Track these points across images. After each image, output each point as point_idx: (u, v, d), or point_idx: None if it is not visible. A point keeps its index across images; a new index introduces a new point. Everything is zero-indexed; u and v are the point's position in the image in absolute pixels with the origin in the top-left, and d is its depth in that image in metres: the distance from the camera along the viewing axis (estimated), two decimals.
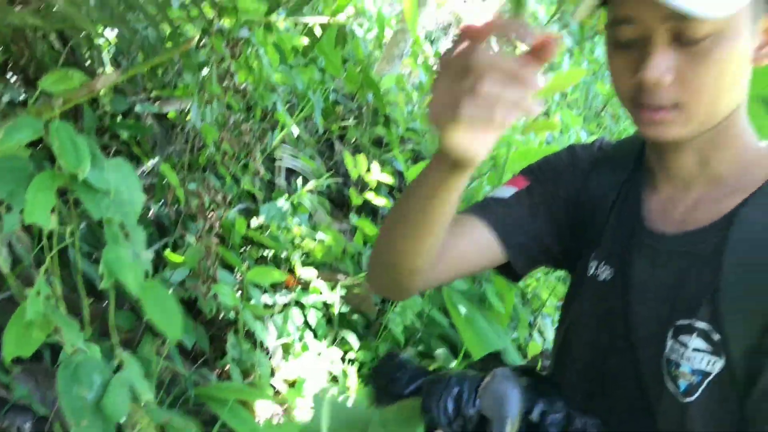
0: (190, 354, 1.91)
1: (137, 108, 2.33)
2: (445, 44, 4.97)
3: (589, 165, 1.03)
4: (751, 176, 0.88)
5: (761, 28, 0.83)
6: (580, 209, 1.01)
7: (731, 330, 0.83)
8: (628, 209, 0.97)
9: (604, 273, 0.96)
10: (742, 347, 0.82)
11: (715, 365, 0.83)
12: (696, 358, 0.83)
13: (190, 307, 1.94)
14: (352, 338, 2.03)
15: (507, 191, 1.02)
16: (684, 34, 0.78)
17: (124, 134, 2.25)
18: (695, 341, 0.83)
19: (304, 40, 2.53)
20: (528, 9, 5.73)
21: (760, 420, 0.80)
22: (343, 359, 2.00)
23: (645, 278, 0.89)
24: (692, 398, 0.83)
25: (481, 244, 0.99)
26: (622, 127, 4.52)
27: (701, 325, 0.83)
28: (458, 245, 0.96)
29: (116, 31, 2.20)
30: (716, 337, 0.82)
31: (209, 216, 1.73)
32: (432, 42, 4.95)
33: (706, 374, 0.82)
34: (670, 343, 0.84)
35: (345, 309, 2.13)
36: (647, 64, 0.79)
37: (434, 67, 0.70)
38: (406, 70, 4.30)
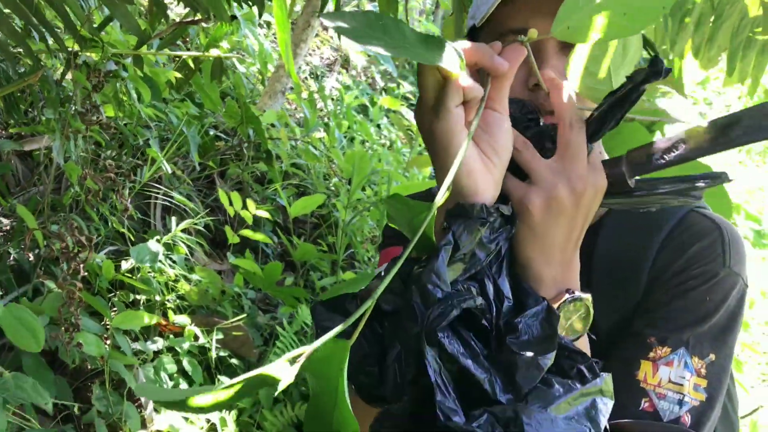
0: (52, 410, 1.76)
1: None
2: (330, 80, 4.98)
3: None
4: None
5: None
6: None
7: (603, 326, 0.89)
8: None
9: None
10: (610, 342, 0.88)
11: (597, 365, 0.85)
12: None
13: (51, 358, 1.80)
14: None
15: None
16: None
17: None
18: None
19: (178, 75, 2.44)
20: None
21: None
22: None
23: None
24: None
25: None
26: None
27: None
28: None
29: None
30: (593, 337, 0.85)
31: (72, 259, 1.61)
32: (317, 78, 4.95)
33: None
34: None
35: (224, 353, 2.04)
36: (544, 66, 0.85)
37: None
38: (291, 105, 4.27)
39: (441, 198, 0.58)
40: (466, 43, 0.64)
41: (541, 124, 0.75)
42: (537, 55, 0.87)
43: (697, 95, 7.17)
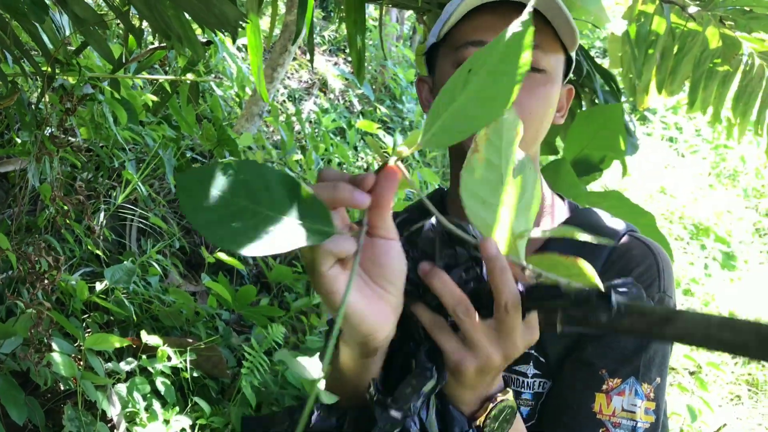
0: (23, 431, 1.76)
1: None
2: (308, 103, 5.03)
3: None
4: (548, 217, 0.98)
5: (562, 93, 0.95)
6: None
7: (553, 353, 0.93)
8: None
9: None
10: (559, 364, 0.93)
11: (545, 386, 0.92)
12: (534, 384, 0.91)
13: (24, 380, 1.80)
14: (204, 404, 1.95)
15: None
16: None
17: None
18: (531, 368, 0.93)
19: (154, 98, 2.47)
20: (389, 72, 5.92)
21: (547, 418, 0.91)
22: (193, 426, 1.91)
23: None
24: (533, 422, 0.89)
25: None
26: None
27: (532, 352, 0.90)
28: None
29: None
30: (542, 360, 0.88)
31: (41, 279, 1.62)
32: (295, 101, 4.99)
33: (540, 396, 0.88)
34: (502, 374, 0.90)
35: (197, 374, 2.05)
36: None
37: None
38: (269, 128, 4.30)
39: (332, 342, 0.55)
40: (329, 187, 0.61)
41: (484, 274, 0.71)
42: None
43: (668, 120, 7.31)
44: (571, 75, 1.00)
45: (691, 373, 3.45)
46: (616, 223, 0.98)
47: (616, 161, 2.07)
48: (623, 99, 2.68)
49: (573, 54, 0.96)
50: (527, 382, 0.92)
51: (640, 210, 1.70)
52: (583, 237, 0.63)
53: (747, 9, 2.09)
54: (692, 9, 2.16)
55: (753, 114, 2.40)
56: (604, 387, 0.87)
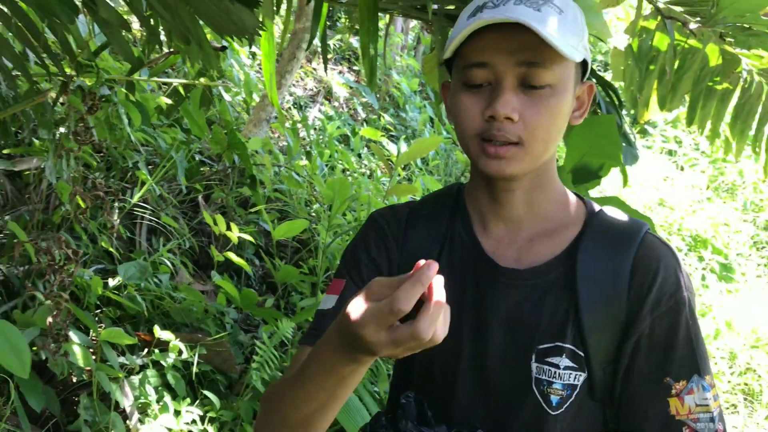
0: (40, 418, 1.82)
1: None
2: (313, 111, 5.10)
3: (400, 227, 1.12)
4: (570, 213, 1.05)
5: (577, 94, 0.99)
6: (405, 268, 1.09)
7: (592, 346, 0.99)
8: (465, 252, 1.06)
9: None
10: (599, 360, 0.99)
11: (579, 378, 0.98)
12: (566, 375, 0.97)
13: (41, 369, 1.86)
14: (214, 398, 2.01)
15: (329, 301, 1.10)
16: (528, 80, 0.92)
17: None
18: (565, 360, 0.98)
19: (167, 101, 2.54)
20: (393, 80, 6.00)
21: (633, 416, 0.98)
22: (203, 419, 1.97)
23: (502, 312, 1.00)
24: (561, 410, 0.96)
25: None
26: None
27: (568, 345, 0.95)
28: None
29: None
30: (580, 354, 0.95)
31: (59, 272, 1.68)
32: (301, 108, 5.06)
33: (574, 387, 0.95)
34: (535, 366, 0.98)
35: (206, 368, 2.10)
36: (499, 100, 0.92)
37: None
38: (275, 133, 4.37)
39: None
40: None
41: None
42: (494, 88, 0.93)
43: (668, 133, 7.39)
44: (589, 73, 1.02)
45: None
46: (637, 221, 1.04)
47: (616, 171, 2.13)
48: (624, 112, 2.75)
49: (587, 56, 0.97)
50: (558, 373, 0.98)
51: (639, 215, 1.75)
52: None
53: (746, 26, 2.15)
54: (693, 25, 2.22)
55: (752, 130, 2.45)
56: (674, 392, 0.95)
